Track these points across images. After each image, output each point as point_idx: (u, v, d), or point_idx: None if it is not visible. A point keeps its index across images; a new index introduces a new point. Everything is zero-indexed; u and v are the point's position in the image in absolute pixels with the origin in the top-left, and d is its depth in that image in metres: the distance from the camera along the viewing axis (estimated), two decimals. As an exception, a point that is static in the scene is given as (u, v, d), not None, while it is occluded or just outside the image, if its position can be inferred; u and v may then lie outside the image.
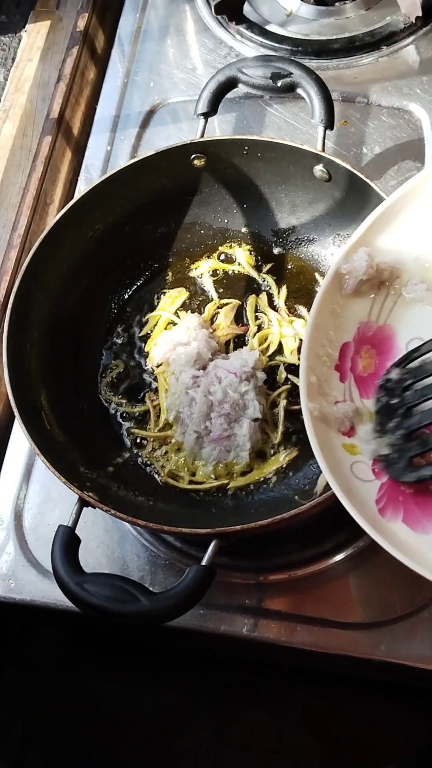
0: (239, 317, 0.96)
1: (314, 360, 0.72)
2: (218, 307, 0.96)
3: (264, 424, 0.88)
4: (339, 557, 0.85)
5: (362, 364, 0.74)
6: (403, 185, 0.75)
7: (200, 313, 0.96)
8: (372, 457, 0.70)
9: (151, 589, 0.72)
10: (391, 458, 0.68)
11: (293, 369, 0.91)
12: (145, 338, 0.96)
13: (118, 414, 0.92)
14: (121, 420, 0.92)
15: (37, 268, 0.88)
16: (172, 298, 0.97)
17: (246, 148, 0.91)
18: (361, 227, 0.76)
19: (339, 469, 0.67)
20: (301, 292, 0.96)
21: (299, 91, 0.93)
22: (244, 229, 1.00)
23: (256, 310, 0.95)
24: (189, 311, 0.96)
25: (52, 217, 0.94)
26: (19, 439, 0.96)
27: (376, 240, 0.76)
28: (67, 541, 0.75)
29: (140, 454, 0.90)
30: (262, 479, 0.87)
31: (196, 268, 0.99)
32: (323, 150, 0.89)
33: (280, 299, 0.95)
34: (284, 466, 0.87)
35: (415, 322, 0.75)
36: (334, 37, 1.13)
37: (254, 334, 0.94)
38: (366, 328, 0.76)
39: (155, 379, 0.93)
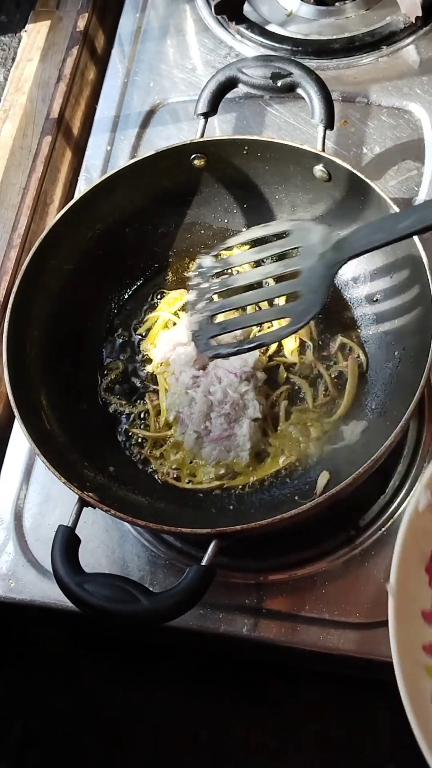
0: (239, 317, 0.96)
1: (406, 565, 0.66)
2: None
3: (264, 424, 0.88)
4: (339, 557, 0.85)
5: None
6: None
7: (200, 313, 0.96)
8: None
9: (151, 589, 0.72)
10: (198, 335, 0.81)
11: (293, 369, 0.92)
12: (144, 337, 0.96)
13: (118, 414, 0.92)
14: (121, 420, 0.92)
15: (37, 268, 0.88)
16: (172, 301, 0.97)
17: (246, 148, 0.91)
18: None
19: (422, 702, 0.59)
20: (301, 292, 0.95)
21: (299, 91, 0.93)
22: (244, 229, 0.99)
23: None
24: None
25: (52, 217, 0.94)
26: (19, 439, 0.96)
27: None
28: (67, 541, 0.75)
29: (140, 454, 0.90)
30: (261, 479, 0.87)
31: (196, 268, 0.99)
32: (323, 150, 0.89)
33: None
34: (284, 468, 0.87)
35: None
36: (334, 37, 1.13)
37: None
38: None
39: (155, 380, 0.93)
